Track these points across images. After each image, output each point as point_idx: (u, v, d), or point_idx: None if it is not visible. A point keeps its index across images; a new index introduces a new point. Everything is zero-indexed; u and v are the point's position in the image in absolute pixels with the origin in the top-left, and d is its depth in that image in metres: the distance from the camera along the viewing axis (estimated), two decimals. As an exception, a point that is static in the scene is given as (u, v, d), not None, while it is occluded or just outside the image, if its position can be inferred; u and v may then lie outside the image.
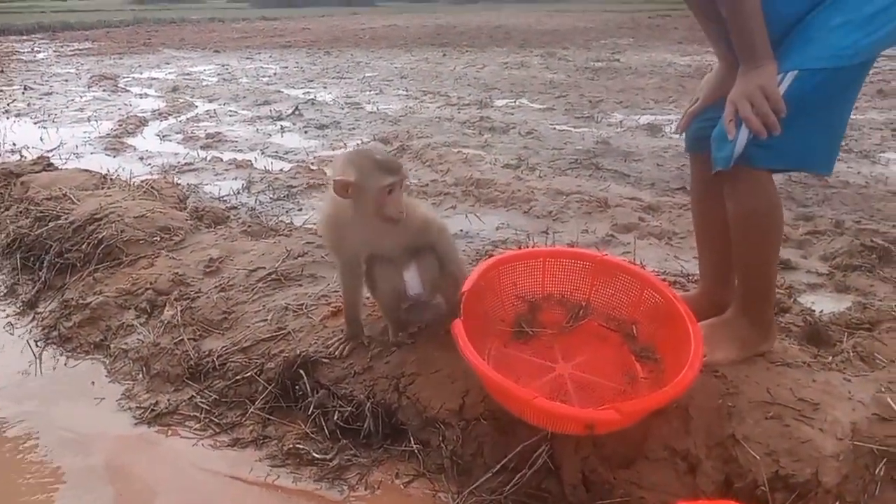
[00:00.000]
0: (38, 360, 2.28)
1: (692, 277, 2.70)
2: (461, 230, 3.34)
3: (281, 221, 3.20)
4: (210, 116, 6.78)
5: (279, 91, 8.33)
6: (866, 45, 1.45)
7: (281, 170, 4.63)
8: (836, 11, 1.44)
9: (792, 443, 1.43)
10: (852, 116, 1.87)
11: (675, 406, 1.51)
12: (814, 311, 2.34)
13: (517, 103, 7.32)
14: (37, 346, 2.36)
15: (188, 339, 2.11)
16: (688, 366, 1.44)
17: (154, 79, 9.67)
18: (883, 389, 1.55)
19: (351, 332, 1.93)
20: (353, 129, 6.10)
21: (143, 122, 6.45)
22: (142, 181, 3.55)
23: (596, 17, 23.19)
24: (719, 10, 1.61)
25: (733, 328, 1.72)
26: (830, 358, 1.96)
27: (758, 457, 1.41)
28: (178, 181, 4.28)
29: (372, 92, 8.23)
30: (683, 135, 1.93)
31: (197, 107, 7.37)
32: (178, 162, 4.90)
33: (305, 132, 6.03)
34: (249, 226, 2.92)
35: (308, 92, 8.26)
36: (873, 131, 5.52)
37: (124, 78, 9.71)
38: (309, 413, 1.78)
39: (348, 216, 1.71)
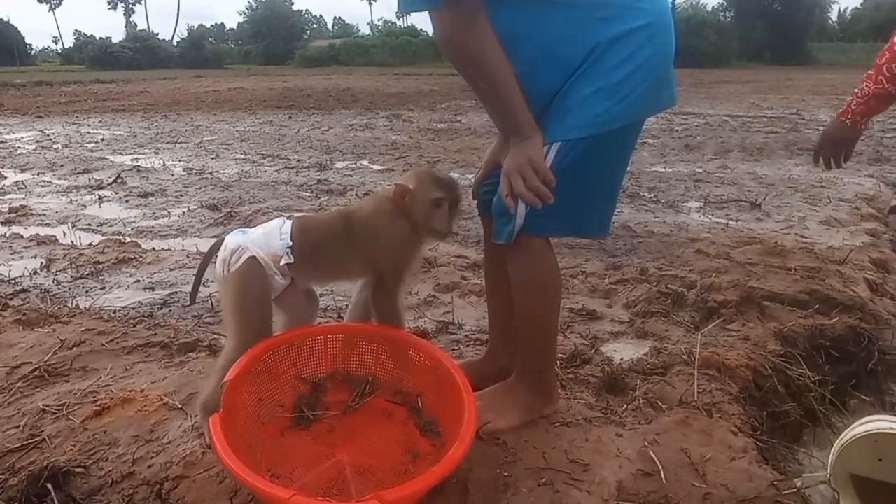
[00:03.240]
0: None
1: (507, 335, 2.74)
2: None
3: (66, 306, 2.89)
4: (18, 188, 6.18)
5: (104, 158, 7.81)
6: (620, 111, 1.50)
7: (90, 244, 4.25)
8: (587, 81, 1.49)
9: (562, 509, 1.42)
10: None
11: (454, 481, 1.46)
12: (612, 360, 2.43)
13: (357, 164, 7.34)
14: None
15: (-82, 459, 1.78)
16: (458, 441, 1.40)
17: (-43, 149, 8.74)
18: (648, 443, 1.59)
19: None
20: (181, 195, 5.79)
21: (-67, 198, 5.74)
22: None
23: (441, 81, 24.20)
24: None
25: (515, 393, 1.72)
26: (624, 407, 2.02)
27: (527, 530, 1.38)
28: (-36, 264, 3.80)
29: (208, 157, 7.93)
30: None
31: (5, 178, 6.70)
32: (-32, 241, 4.37)
33: (126, 201, 5.64)
34: (25, 313, 2.60)
35: (136, 158, 7.81)
36: (679, 182, 6.05)
37: (-78, 149, 8.69)
38: (58, 534, 1.54)
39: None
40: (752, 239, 4.15)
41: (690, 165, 6.99)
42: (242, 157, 7.92)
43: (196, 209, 5.26)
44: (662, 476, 1.47)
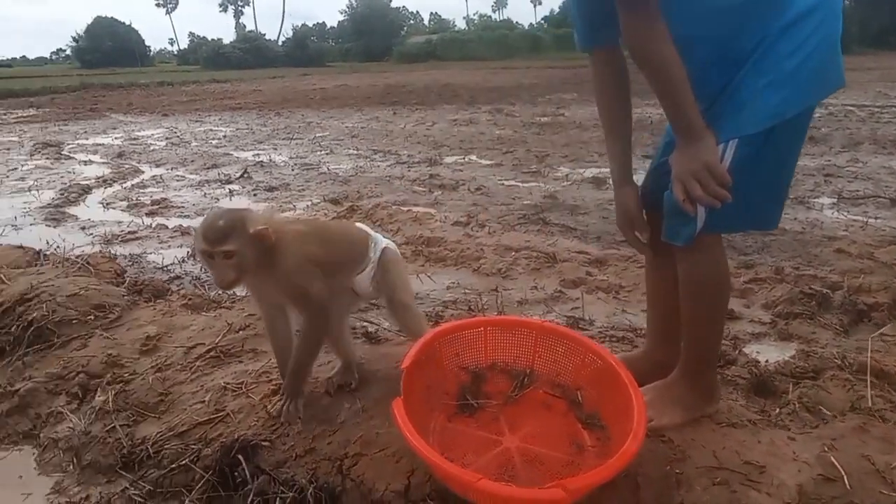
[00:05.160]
0: (-40, 454, 2.13)
1: (640, 332, 2.72)
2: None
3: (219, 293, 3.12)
4: (156, 182, 6.68)
5: (228, 154, 8.30)
6: (795, 100, 1.48)
7: (228, 236, 4.55)
8: (759, 74, 1.48)
9: (740, 509, 1.41)
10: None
11: (623, 476, 1.48)
12: (759, 361, 2.37)
13: (466, 160, 7.43)
14: (-40, 438, 2.20)
15: (121, 426, 1.99)
16: (632, 435, 1.42)
17: (99, 145, 9.53)
18: (826, 448, 1.55)
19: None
20: (303, 190, 6.08)
21: (86, 191, 6.30)
22: (77, 257, 3.43)
23: (540, 74, 24.03)
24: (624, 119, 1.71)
25: (678, 392, 1.72)
26: (778, 410, 1.97)
27: (707, 526, 1.39)
28: (121, 251, 4.17)
29: (322, 152, 8.27)
30: None
31: (143, 172, 7.26)
32: (122, 231, 4.78)
33: (255, 195, 5.98)
34: (190, 298, 2.83)
35: (258, 154, 8.24)
36: (806, 177, 5.76)
37: (69, 145, 9.54)
38: (249, 501, 1.68)
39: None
40: (896, 238, 3.90)
41: (817, 159, 6.62)
42: (355, 152, 8.20)
43: (319, 203, 5.51)
44: (846, 482, 1.44)
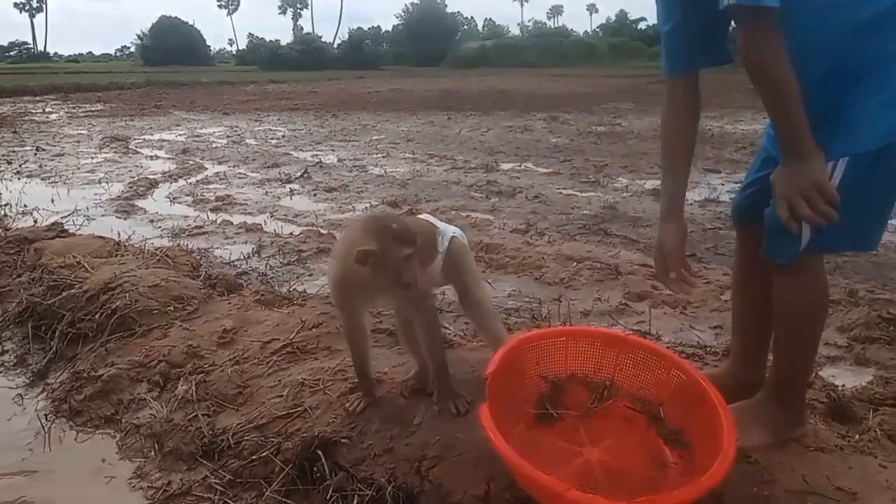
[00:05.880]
0: (46, 434, 2.23)
1: (709, 349, 2.68)
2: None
3: (294, 290, 3.19)
4: (220, 179, 6.87)
5: (288, 153, 8.48)
6: None
7: (291, 233, 4.66)
8: (873, 93, 1.45)
9: (833, 537, 1.38)
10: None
11: (709, 495, 1.46)
12: (836, 385, 2.31)
13: (523, 167, 7.43)
14: (46, 419, 2.31)
15: (202, 415, 2.06)
16: (722, 454, 1.40)
17: (164, 141, 9.86)
18: (921, 479, 1.50)
19: (364, 388, 1.96)
20: (362, 192, 6.17)
21: (153, 185, 6.53)
22: (156, 249, 3.56)
23: (595, 83, 23.81)
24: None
25: (765, 412, 1.69)
26: (857, 437, 1.92)
27: (800, 553, 1.36)
28: (189, 245, 4.31)
29: (379, 155, 8.37)
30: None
31: (207, 169, 7.48)
32: (189, 225, 4.94)
33: (314, 195, 6.09)
34: (262, 294, 2.90)
35: (316, 154, 8.40)
36: (878, 197, 5.56)
37: (135, 140, 9.89)
38: (327, 497, 1.72)
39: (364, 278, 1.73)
40: (978, 265, 3.74)
41: (890, 179, 6.39)
42: (411, 156, 8.27)
43: (378, 205, 5.58)
44: (946, 515, 1.39)
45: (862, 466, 1.57)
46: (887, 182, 1.52)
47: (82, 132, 10.92)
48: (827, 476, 1.52)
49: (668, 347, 2.69)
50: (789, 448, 1.65)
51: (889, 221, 1.64)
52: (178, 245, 3.86)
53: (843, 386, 2.33)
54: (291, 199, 6.00)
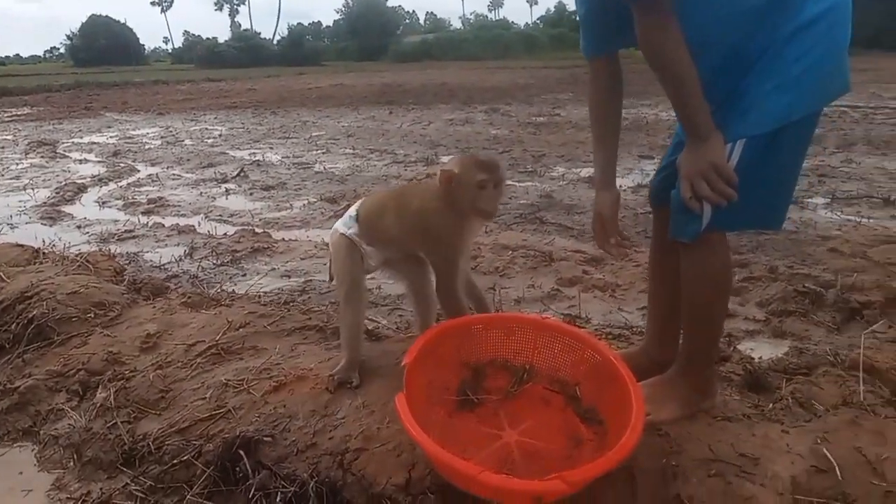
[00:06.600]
0: (-41, 451, 2.14)
1: (636, 329, 2.75)
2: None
3: (223, 290, 3.14)
4: (152, 181, 6.68)
5: (224, 153, 8.30)
6: (802, 103, 1.51)
7: (225, 234, 4.57)
8: (766, 78, 1.51)
9: (735, 501, 1.44)
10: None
11: (621, 469, 1.51)
12: (753, 358, 2.40)
13: (462, 159, 7.44)
14: (-41, 435, 2.21)
15: (122, 423, 2.01)
16: (630, 429, 1.45)
17: (95, 143, 9.52)
18: (819, 441, 1.58)
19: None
20: (300, 189, 6.10)
21: (81, 189, 6.31)
22: (76, 255, 3.44)
23: (536, 74, 24.06)
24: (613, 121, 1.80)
25: (676, 387, 1.75)
26: (771, 405, 2.00)
27: (703, 518, 1.42)
28: (118, 250, 4.18)
29: (318, 151, 8.28)
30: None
31: (139, 171, 7.26)
32: (118, 229, 4.79)
33: (251, 194, 5.99)
34: (189, 296, 2.84)
35: (254, 153, 8.25)
36: (801, 178, 5.74)
37: (63, 143, 9.52)
38: (250, 496, 1.70)
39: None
40: (889, 237, 3.94)
41: (812, 160, 6.65)
42: (351, 151, 8.21)
43: (316, 202, 5.53)
44: (838, 473, 1.47)
45: (765, 433, 1.64)
46: (784, 163, 1.58)
47: (7, 137, 10.44)
48: (732, 444, 1.59)
49: (597, 329, 2.78)
50: (698, 419, 1.71)
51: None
52: (101, 250, 3.74)
53: (761, 358, 2.42)
54: (227, 198, 5.88)
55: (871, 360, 2.25)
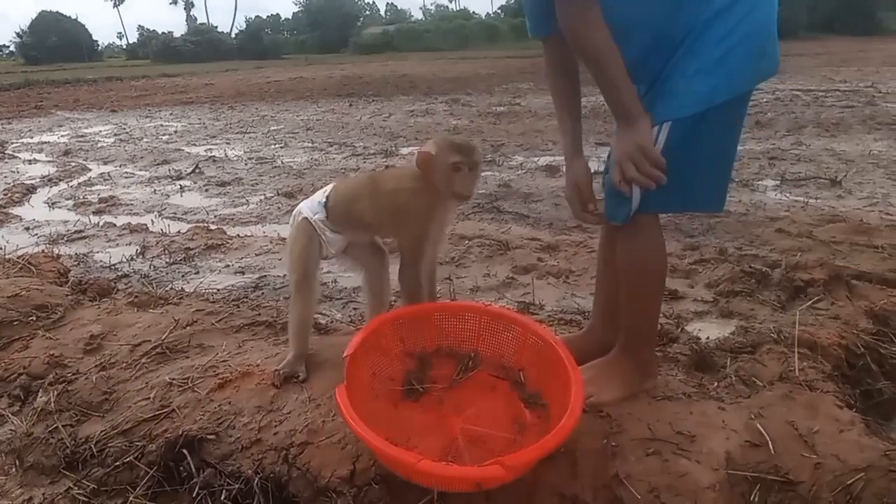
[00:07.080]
0: None
1: (588, 314, 2.78)
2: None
3: (172, 289, 3.08)
4: (104, 180, 6.53)
5: (179, 149, 8.14)
6: (725, 86, 1.52)
7: (178, 232, 4.49)
8: (689, 60, 1.53)
9: (671, 477, 1.47)
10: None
11: (562, 451, 1.53)
12: (700, 338, 2.45)
13: (422, 150, 7.42)
14: None
15: (63, 426, 1.96)
16: (568, 412, 1.47)
17: (45, 143, 9.24)
18: (753, 416, 1.62)
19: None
20: (256, 184, 6.02)
21: (30, 190, 6.13)
22: (18, 257, 3.34)
23: (497, 64, 24.09)
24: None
25: (617, 368, 1.78)
26: (716, 384, 2.04)
27: (639, 495, 1.44)
28: (67, 251, 4.08)
29: (277, 146, 8.17)
30: None
31: (90, 170, 7.08)
32: (68, 230, 4.67)
33: (206, 190, 5.89)
34: (137, 296, 2.78)
35: (210, 149, 8.11)
36: (752, 161, 5.92)
37: (12, 144, 9.23)
38: (194, 495, 1.68)
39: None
40: (834, 217, 4.05)
41: (763, 143, 6.81)
42: (310, 145, 8.13)
43: (272, 197, 5.46)
44: (771, 447, 1.51)
45: (702, 411, 1.68)
46: (714, 144, 1.60)
47: (-49, 139, 10.08)
48: (670, 422, 1.62)
49: (549, 316, 2.80)
50: (639, 399, 1.74)
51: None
52: (44, 251, 3.64)
53: (708, 338, 2.46)
54: (181, 196, 5.77)
55: (813, 336, 2.31)
